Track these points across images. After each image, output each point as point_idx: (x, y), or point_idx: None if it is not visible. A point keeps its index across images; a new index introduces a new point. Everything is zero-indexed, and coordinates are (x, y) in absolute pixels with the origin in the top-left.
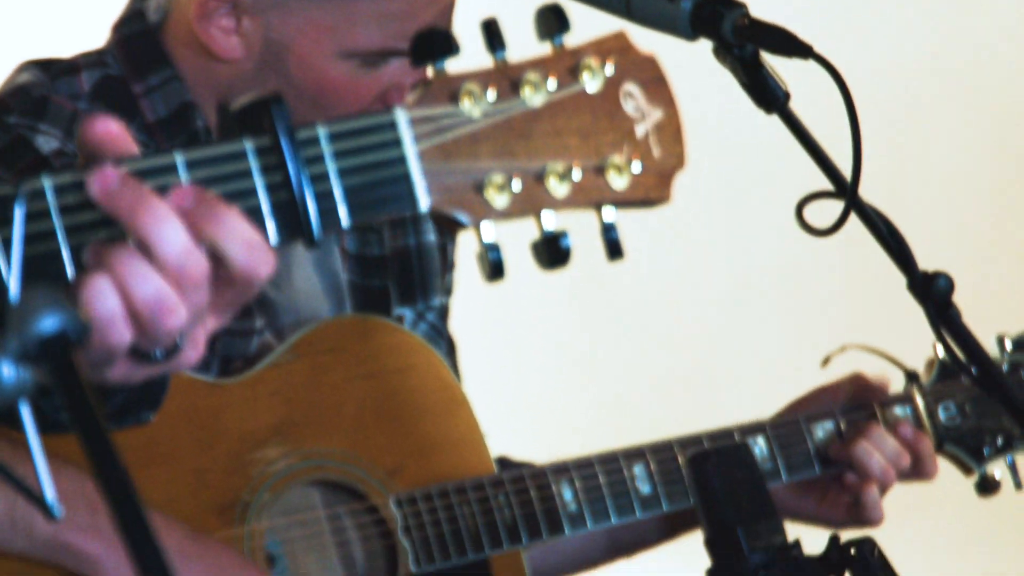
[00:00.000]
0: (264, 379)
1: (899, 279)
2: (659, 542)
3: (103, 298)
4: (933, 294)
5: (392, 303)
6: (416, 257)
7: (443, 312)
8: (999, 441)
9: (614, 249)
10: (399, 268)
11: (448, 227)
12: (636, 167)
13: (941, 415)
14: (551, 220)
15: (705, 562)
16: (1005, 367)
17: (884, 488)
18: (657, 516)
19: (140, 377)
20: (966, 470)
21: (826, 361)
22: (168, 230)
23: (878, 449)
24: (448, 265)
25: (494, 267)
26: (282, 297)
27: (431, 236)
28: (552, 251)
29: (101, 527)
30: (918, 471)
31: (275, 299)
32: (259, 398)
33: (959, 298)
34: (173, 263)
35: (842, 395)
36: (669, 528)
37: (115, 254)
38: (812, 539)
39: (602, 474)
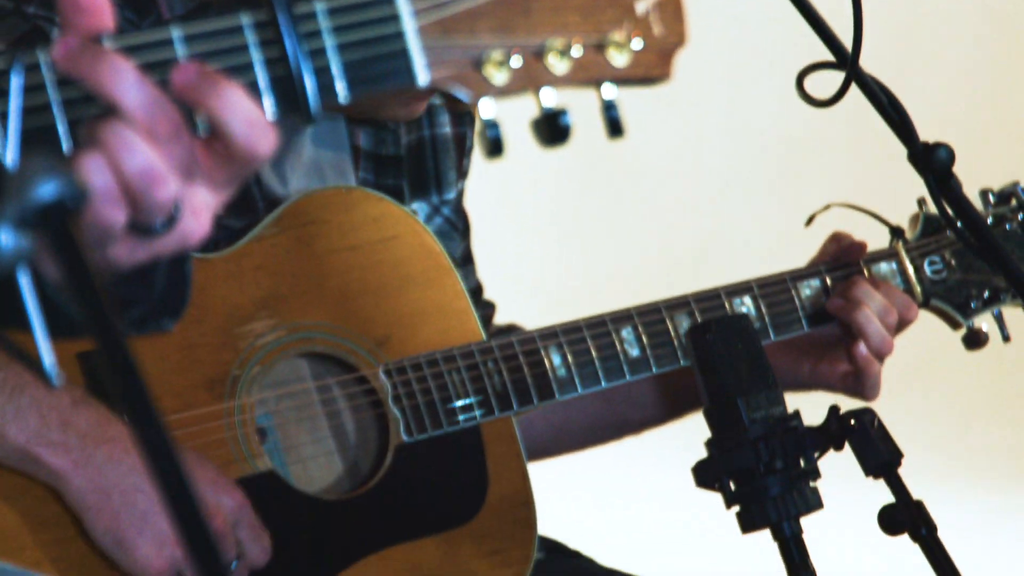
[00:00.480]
0: (248, 253)
1: (899, 149)
2: (664, 420)
3: (95, 174)
4: (933, 165)
5: (405, 202)
6: (431, 149)
7: (458, 200)
8: (985, 294)
9: (615, 127)
10: (414, 160)
11: (452, 105)
12: (637, 44)
13: (927, 270)
14: (551, 97)
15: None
16: (989, 220)
17: (881, 357)
18: (662, 393)
19: (146, 255)
20: (953, 324)
21: (810, 220)
22: (129, 83)
23: (876, 314)
24: (466, 151)
25: (493, 144)
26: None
27: (447, 128)
28: (551, 128)
29: (71, 445)
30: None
31: (283, 196)
32: (244, 272)
33: (959, 166)
34: (142, 116)
35: (826, 255)
36: (674, 406)
37: (104, 129)
38: (811, 410)
39: (590, 338)
